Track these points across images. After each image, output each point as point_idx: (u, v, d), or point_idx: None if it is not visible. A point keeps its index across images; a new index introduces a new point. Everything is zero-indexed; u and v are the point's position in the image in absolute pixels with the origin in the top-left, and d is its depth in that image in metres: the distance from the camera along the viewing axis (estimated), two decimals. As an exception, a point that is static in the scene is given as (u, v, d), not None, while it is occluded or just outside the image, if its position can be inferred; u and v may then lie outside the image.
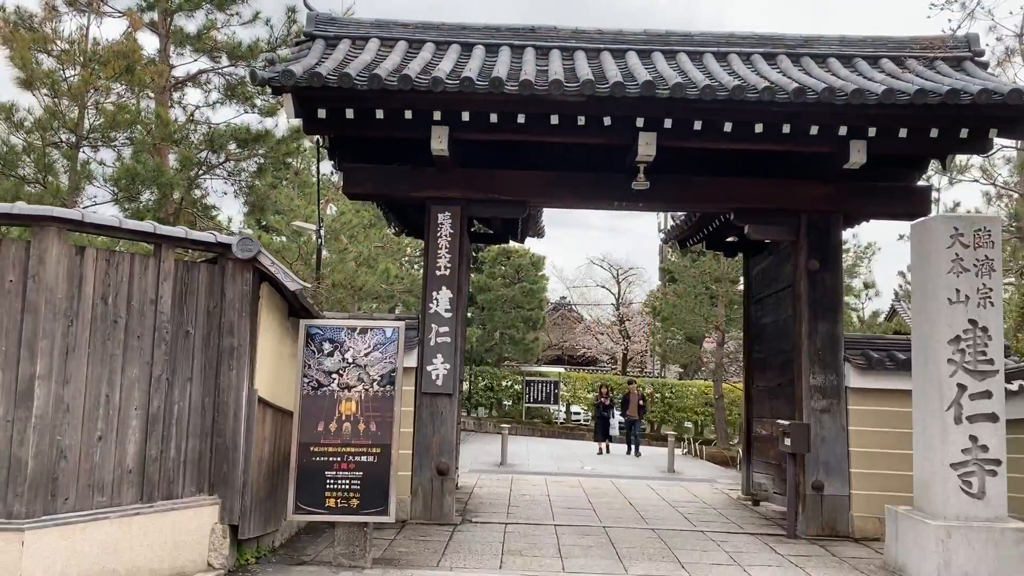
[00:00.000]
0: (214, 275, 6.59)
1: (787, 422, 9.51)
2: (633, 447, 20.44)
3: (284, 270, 6.65)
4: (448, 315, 9.54)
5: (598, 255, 54.04)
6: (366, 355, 7.21)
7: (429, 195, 9.81)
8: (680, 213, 12.89)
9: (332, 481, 6.99)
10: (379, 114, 8.64)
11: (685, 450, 21.96)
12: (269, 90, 10.36)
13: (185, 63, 12.57)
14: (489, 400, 31.37)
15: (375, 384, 7.17)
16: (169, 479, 6.20)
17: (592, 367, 39.82)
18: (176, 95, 12.45)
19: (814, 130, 8.55)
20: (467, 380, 29.89)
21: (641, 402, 21.15)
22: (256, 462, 6.81)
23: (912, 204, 9.75)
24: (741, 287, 25.10)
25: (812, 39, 10.01)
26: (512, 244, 33.54)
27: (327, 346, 7.22)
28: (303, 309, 7.52)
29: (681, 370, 36.49)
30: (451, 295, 9.59)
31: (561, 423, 30.48)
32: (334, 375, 7.18)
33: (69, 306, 5.65)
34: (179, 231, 6.29)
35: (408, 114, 8.63)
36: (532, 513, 10.19)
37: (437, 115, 8.62)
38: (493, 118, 8.63)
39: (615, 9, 66.83)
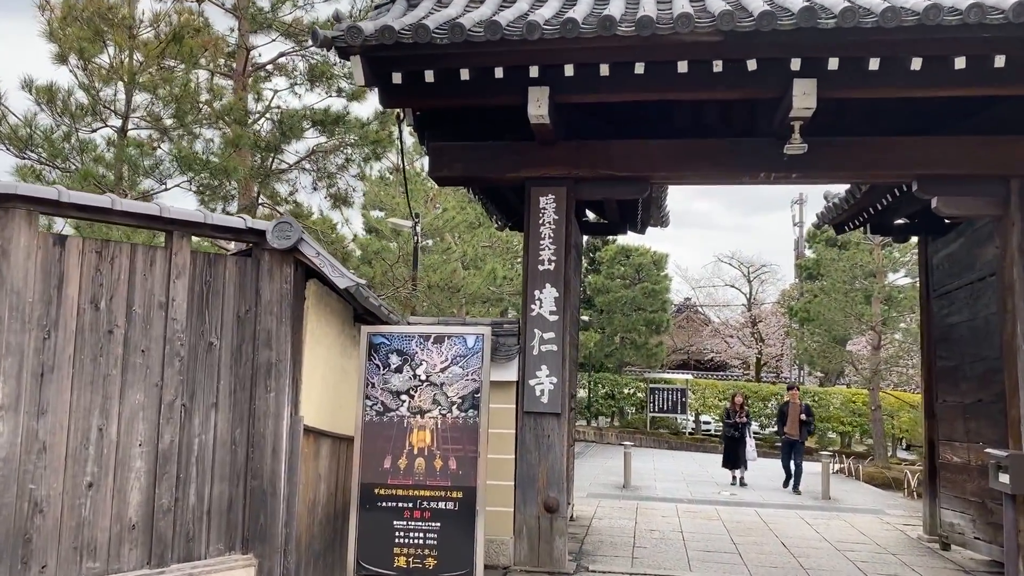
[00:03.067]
0: (246, 271, 5.17)
1: (1002, 452, 7.26)
2: (792, 479, 15.09)
3: (332, 262, 5.16)
4: (554, 318, 7.88)
5: (726, 252, 51.10)
6: (442, 371, 5.64)
7: (528, 175, 8.18)
8: (836, 191, 10.68)
9: (402, 534, 5.48)
10: (464, 75, 7.07)
11: (838, 466, 19.17)
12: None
13: (264, 43, 11.50)
14: (610, 409, 29.56)
15: (454, 408, 5.58)
16: (187, 535, 4.80)
17: (722, 373, 37.08)
18: (255, 80, 11.40)
19: (1040, 61, 6.34)
20: (586, 388, 28.17)
21: (804, 416, 15.08)
22: (305, 509, 5.36)
23: None
24: (898, 281, 22.18)
25: (1021, -49, 7.71)
26: (632, 242, 31.63)
27: (394, 359, 5.69)
28: (368, 313, 6.02)
29: (821, 375, 33.24)
30: (556, 294, 7.92)
31: (689, 434, 28.22)
32: (403, 396, 5.65)
33: (45, 313, 4.34)
34: (196, 214, 4.89)
35: (499, 72, 7.03)
36: (662, 558, 8.35)
37: (534, 72, 6.99)
38: (604, 71, 6.88)
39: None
